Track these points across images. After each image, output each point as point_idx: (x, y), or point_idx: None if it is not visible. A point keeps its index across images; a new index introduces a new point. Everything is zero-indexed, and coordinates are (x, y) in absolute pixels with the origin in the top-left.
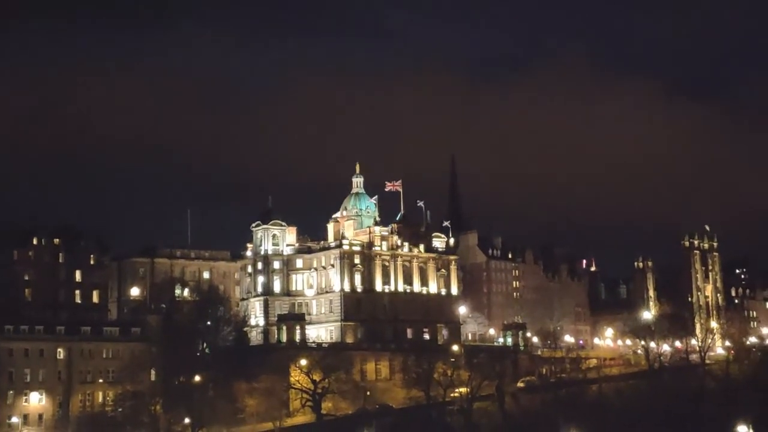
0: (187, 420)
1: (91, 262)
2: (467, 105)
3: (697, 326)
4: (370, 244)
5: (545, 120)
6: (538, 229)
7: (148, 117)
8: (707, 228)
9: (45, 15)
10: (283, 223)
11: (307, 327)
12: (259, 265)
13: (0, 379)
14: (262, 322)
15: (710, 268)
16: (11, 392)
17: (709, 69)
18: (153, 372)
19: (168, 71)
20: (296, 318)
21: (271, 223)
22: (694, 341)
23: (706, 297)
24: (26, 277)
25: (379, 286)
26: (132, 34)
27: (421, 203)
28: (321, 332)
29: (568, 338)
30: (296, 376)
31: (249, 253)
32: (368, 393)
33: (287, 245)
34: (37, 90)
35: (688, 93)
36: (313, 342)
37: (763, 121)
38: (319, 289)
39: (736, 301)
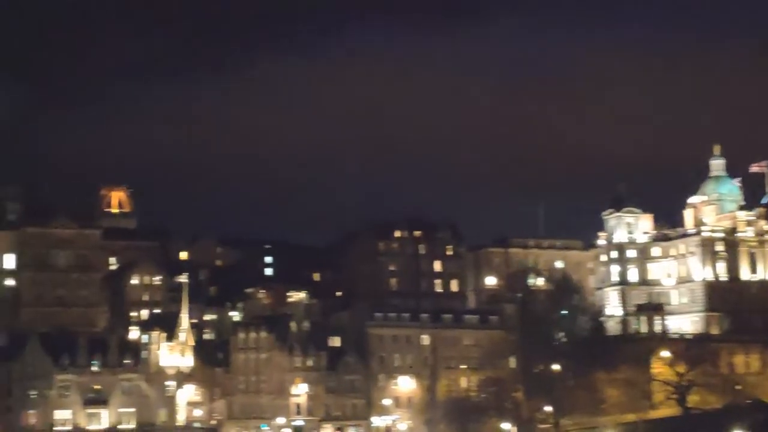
0: (548, 408)
1: (449, 253)
2: None
3: None
4: (734, 230)
5: None
6: None
7: (484, 110)
8: None
9: None
10: (637, 210)
11: (666, 318)
12: (613, 254)
13: (372, 364)
14: (618, 312)
15: None
16: (382, 375)
17: None
18: (512, 359)
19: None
20: (655, 308)
21: (624, 210)
22: None
23: None
24: (391, 268)
25: (745, 275)
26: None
27: None
28: (682, 323)
29: None
30: (658, 368)
31: (602, 242)
32: (738, 387)
33: (642, 233)
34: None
35: None
36: (675, 333)
37: None
38: (679, 278)
39: None
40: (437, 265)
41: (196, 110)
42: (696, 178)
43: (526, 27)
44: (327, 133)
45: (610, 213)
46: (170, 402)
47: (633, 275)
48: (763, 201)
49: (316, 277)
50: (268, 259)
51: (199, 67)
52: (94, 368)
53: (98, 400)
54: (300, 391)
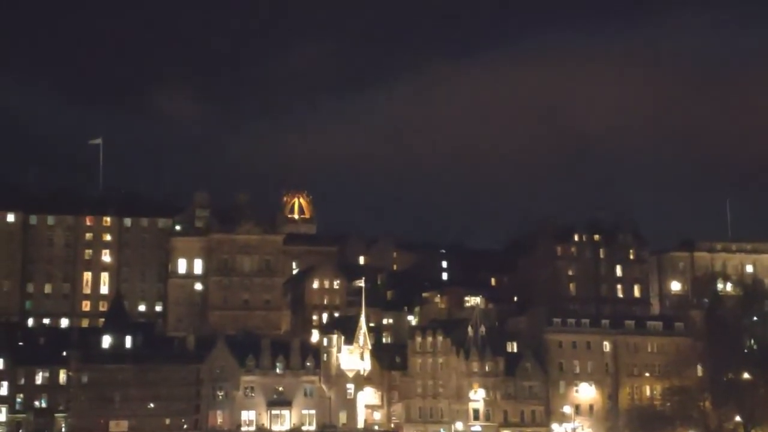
0: (737, 418)
1: (630, 257)
2: None
3: None
4: None
5: None
6: None
7: (651, 108)
8: None
9: None
10: None
11: None
12: None
13: (551, 370)
14: None
15: None
16: (562, 382)
17: None
18: (699, 367)
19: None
20: None
21: None
22: None
23: None
24: (569, 272)
25: None
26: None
27: None
28: None
29: None
30: None
31: None
32: None
33: None
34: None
35: None
36: None
37: None
38: None
39: None
40: (618, 270)
41: (371, 118)
42: None
43: (709, 23)
44: (506, 135)
45: None
46: (350, 404)
47: None
48: None
49: (493, 281)
50: (444, 263)
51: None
52: (278, 370)
53: (282, 401)
54: (477, 396)
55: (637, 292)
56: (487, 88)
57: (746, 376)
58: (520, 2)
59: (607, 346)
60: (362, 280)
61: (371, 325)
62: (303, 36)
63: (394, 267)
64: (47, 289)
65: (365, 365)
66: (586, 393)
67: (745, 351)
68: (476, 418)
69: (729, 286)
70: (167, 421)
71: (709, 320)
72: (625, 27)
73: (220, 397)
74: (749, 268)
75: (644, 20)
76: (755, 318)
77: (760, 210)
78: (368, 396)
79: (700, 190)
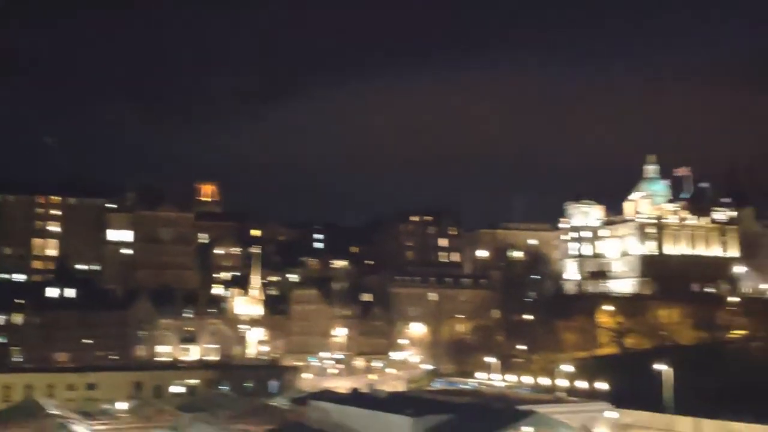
0: (522, 347)
1: (451, 233)
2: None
3: None
4: (661, 218)
5: None
6: None
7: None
8: None
9: None
10: (592, 202)
11: (610, 281)
12: (573, 235)
13: (393, 314)
14: (575, 277)
15: None
16: (400, 322)
17: None
18: (496, 311)
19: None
20: (602, 275)
21: (581, 202)
22: None
23: None
24: (408, 244)
25: (669, 251)
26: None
27: (705, 185)
28: (622, 286)
29: None
30: (603, 319)
31: (564, 225)
32: (663, 333)
33: (595, 219)
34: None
35: None
36: (617, 293)
37: None
38: (620, 252)
39: None
40: (443, 242)
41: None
42: (635, 179)
43: (522, 64)
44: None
45: (571, 204)
46: (244, 341)
47: (586, 250)
48: (683, 196)
49: (354, 250)
50: (319, 236)
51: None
52: (187, 315)
53: (190, 338)
54: (339, 333)
55: (455, 258)
56: (361, 110)
57: (528, 317)
58: (380, 48)
59: (433, 296)
60: (256, 248)
61: (263, 282)
62: (224, 64)
63: (281, 238)
64: (7, 251)
65: (257, 311)
66: (417, 330)
67: (528, 300)
68: (338, 349)
69: (519, 254)
70: (100, 354)
71: (504, 278)
72: (453, 64)
73: (142, 335)
74: (532, 242)
75: (465, 59)
76: (535, 277)
77: (541, 202)
78: (258, 334)
79: (506, 188)
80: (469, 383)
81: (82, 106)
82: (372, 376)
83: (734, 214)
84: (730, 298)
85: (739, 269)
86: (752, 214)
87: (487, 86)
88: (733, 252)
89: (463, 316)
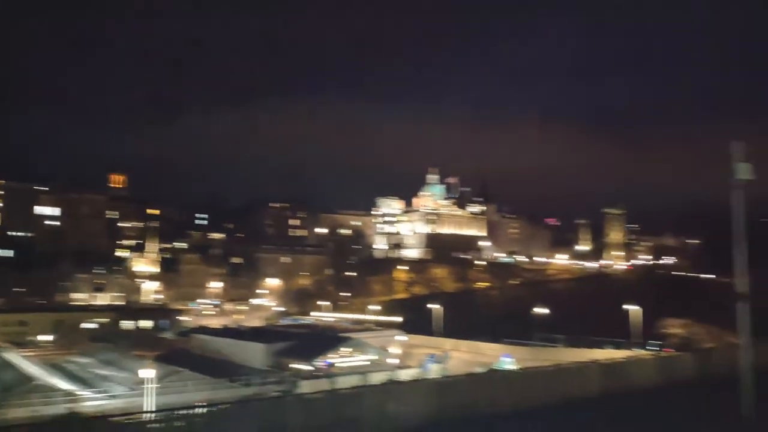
0: (346, 294)
1: (301, 215)
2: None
3: (608, 254)
4: (438, 209)
5: None
6: (530, 201)
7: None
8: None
9: None
10: (394, 197)
11: (404, 250)
12: (381, 218)
13: (257, 272)
14: (382, 247)
15: (618, 223)
16: (262, 278)
17: None
18: (329, 270)
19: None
20: (400, 246)
21: (387, 197)
22: (606, 262)
23: (613, 238)
24: (269, 222)
25: (442, 231)
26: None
27: (466, 189)
28: (412, 254)
29: (540, 259)
30: (399, 275)
31: (376, 212)
32: (435, 284)
33: (397, 208)
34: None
35: None
36: (409, 258)
37: None
38: (412, 231)
39: (628, 242)
40: (295, 222)
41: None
42: (422, 183)
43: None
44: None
45: (380, 197)
46: (140, 291)
47: (391, 229)
48: (452, 195)
49: (230, 226)
50: (203, 215)
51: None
52: (99, 272)
53: (100, 289)
54: (215, 286)
55: (303, 233)
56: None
57: (352, 274)
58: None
59: (285, 260)
60: (154, 223)
61: (159, 248)
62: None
63: (174, 216)
64: None
65: (154, 270)
66: (273, 283)
67: (351, 262)
68: (214, 297)
69: (346, 231)
70: (30, 300)
71: (335, 248)
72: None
73: (63, 286)
74: (355, 223)
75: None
76: (357, 246)
77: (361, 193)
78: (153, 286)
79: (344, 184)
80: (307, 320)
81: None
82: (238, 316)
83: (484, 208)
84: (477, 262)
85: (484, 244)
86: (494, 208)
87: (328, 111)
88: (482, 232)
89: (307, 274)
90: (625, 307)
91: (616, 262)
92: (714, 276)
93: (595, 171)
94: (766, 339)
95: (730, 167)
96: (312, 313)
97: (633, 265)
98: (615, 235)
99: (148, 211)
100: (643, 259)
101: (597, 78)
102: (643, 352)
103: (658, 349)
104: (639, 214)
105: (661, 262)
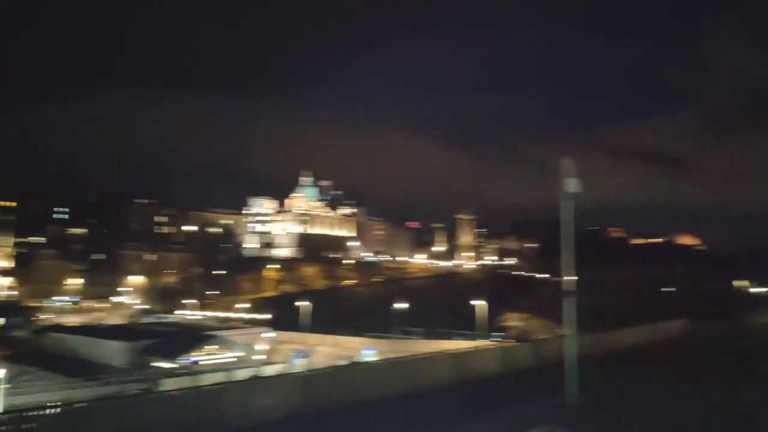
0: (214, 292)
1: (168, 212)
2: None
3: (459, 255)
4: (310, 210)
5: None
6: (395, 205)
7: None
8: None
9: None
10: (266, 198)
11: (276, 250)
12: (253, 218)
13: (120, 269)
14: (254, 246)
15: (469, 227)
16: (124, 275)
17: None
18: (198, 268)
19: None
20: (271, 245)
21: (259, 197)
22: (458, 261)
23: (464, 241)
24: (135, 218)
25: (314, 231)
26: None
27: (338, 192)
28: (283, 252)
29: (401, 258)
30: (269, 273)
31: (248, 211)
32: (305, 282)
33: (270, 208)
34: None
35: None
36: (279, 257)
37: None
38: (284, 230)
39: (477, 244)
40: (161, 219)
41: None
42: (296, 184)
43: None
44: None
45: (252, 197)
46: None
47: (262, 228)
48: (325, 197)
49: (93, 221)
50: (64, 209)
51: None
52: None
53: None
54: (75, 282)
55: (170, 230)
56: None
57: (221, 272)
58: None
59: (153, 257)
60: (11, 216)
61: (15, 241)
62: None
63: (33, 210)
64: None
65: (9, 265)
66: (136, 280)
67: (221, 260)
68: (74, 294)
69: (216, 229)
70: None
71: (204, 245)
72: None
73: None
74: (226, 221)
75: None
76: (227, 245)
77: (234, 193)
78: (6, 282)
79: (220, 184)
80: (172, 318)
81: None
82: (99, 314)
83: (354, 210)
84: (346, 261)
85: (353, 244)
86: (364, 211)
87: (203, 110)
88: (351, 233)
89: (174, 272)
90: (473, 302)
91: (467, 262)
92: (548, 275)
93: (451, 180)
94: (588, 331)
95: (560, 181)
96: (177, 312)
97: (481, 264)
98: (466, 237)
99: (2, 203)
100: (489, 259)
101: (455, 94)
102: (487, 342)
103: (500, 339)
104: (487, 219)
105: (504, 262)
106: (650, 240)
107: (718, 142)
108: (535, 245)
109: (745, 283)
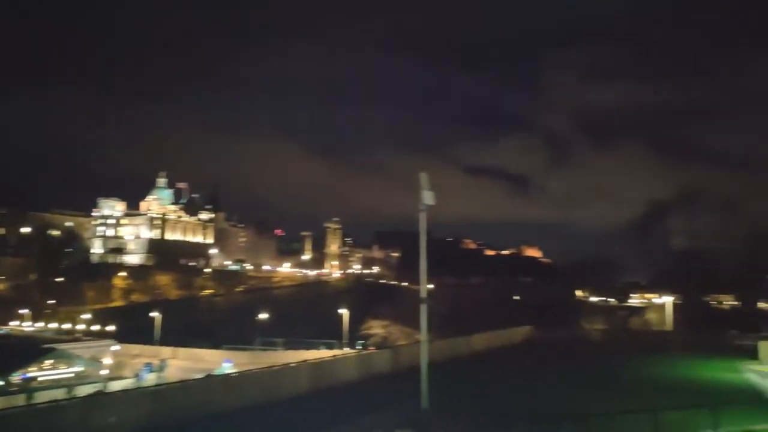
0: (52, 301)
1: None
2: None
3: (327, 263)
4: (165, 214)
5: None
6: (262, 212)
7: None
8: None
9: None
10: (116, 199)
11: (126, 256)
12: (102, 221)
13: None
14: (101, 251)
15: (336, 236)
16: None
17: None
18: (34, 275)
19: None
20: (120, 251)
21: (111, 198)
22: (325, 270)
23: (332, 249)
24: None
25: (168, 236)
26: None
27: (196, 195)
28: (133, 259)
29: (266, 267)
30: (117, 281)
31: (96, 214)
32: (158, 291)
33: (119, 211)
34: None
35: None
36: (130, 264)
37: None
38: (135, 235)
39: (344, 253)
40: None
41: None
42: (150, 187)
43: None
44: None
45: (102, 198)
46: None
47: (111, 232)
48: (182, 201)
49: None
50: None
51: None
52: None
53: None
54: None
55: (2, 232)
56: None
57: (61, 279)
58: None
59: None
60: None
61: None
62: None
63: None
64: None
65: None
66: None
67: (62, 267)
68: None
69: (57, 232)
70: None
71: (42, 250)
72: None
73: None
74: (69, 224)
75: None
76: (69, 249)
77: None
78: None
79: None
80: (2, 330)
81: None
82: None
83: (213, 215)
84: (205, 269)
85: (212, 251)
86: (223, 216)
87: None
88: (210, 240)
89: (3, 278)
90: (339, 311)
91: (333, 270)
92: (407, 283)
93: (318, 188)
94: (444, 336)
95: (418, 193)
96: (10, 323)
97: (346, 273)
98: (333, 246)
99: None
100: (355, 268)
101: (321, 104)
102: (350, 350)
103: (361, 347)
104: (353, 229)
105: (369, 271)
106: (500, 252)
107: (554, 165)
108: (398, 254)
109: (585, 293)
